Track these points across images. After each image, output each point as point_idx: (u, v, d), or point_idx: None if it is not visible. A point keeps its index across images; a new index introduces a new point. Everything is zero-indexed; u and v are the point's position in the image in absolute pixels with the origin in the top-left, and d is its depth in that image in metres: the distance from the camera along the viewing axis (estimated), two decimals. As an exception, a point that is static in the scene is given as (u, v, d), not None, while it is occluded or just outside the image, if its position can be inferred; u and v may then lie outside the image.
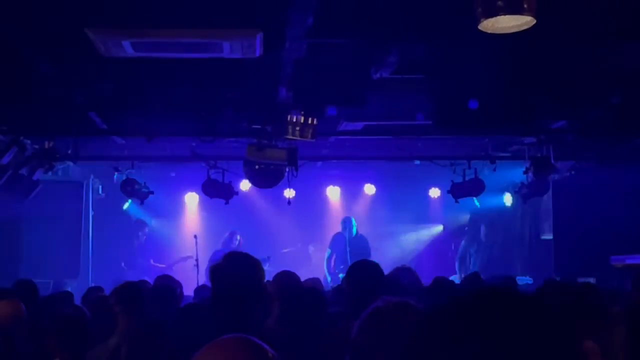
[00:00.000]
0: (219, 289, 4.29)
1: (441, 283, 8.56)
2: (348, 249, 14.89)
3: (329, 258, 15.39)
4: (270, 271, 13.20)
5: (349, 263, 14.25)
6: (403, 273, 8.57)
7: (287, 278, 6.88)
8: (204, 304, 5.87)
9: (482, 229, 15.88)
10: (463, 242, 16.17)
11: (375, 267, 5.44)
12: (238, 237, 15.72)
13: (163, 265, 15.67)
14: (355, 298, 5.14)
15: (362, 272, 5.26)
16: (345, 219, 15.59)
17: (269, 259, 14.87)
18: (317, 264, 16.13)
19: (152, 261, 16.14)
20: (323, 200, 17.05)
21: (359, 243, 15.24)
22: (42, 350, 5.32)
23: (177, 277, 9.55)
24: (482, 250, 15.59)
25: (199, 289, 9.09)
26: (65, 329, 5.30)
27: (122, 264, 15.89)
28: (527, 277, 14.81)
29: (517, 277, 14.60)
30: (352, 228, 15.41)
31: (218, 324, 4.10)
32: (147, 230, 16.53)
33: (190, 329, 4.83)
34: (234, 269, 4.27)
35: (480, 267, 14.97)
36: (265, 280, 4.55)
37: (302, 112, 9.47)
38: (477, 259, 15.43)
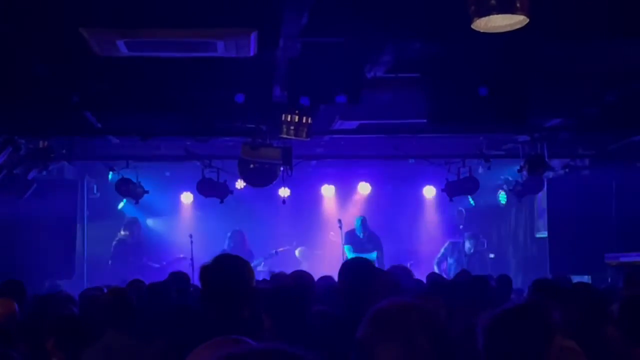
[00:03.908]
0: (209, 289, 4.32)
1: (437, 281, 8.60)
2: (361, 248, 14.95)
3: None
4: (264, 270, 13.28)
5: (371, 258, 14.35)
6: (399, 271, 8.61)
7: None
8: (193, 304, 5.87)
9: (467, 243, 15.93)
10: (443, 250, 16.14)
11: (368, 264, 5.44)
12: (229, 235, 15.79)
13: (157, 265, 15.66)
14: (350, 297, 5.14)
15: (355, 271, 5.25)
16: (359, 218, 15.67)
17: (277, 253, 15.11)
18: (313, 263, 16.17)
19: (144, 259, 16.12)
20: (318, 199, 17.04)
21: (371, 241, 15.32)
22: (37, 349, 5.33)
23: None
24: (461, 259, 15.60)
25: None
26: (62, 330, 5.30)
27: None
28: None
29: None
30: (366, 227, 15.47)
31: (208, 325, 4.12)
32: (139, 228, 16.46)
33: (181, 330, 4.84)
34: (223, 270, 4.30)
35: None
36: (255, 280, 4.56)
37: (297, 111, 9.47)
38: (452, 267, 15.48)
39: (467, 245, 15.83)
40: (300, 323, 4.84)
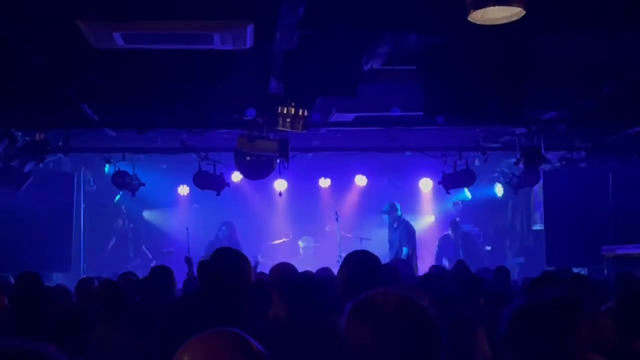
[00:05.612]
0: (208, 284, 4.31)
1: (435, 274, 8.59)
2: (394, 235, 14.93)
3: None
4: (261, 262, 13.27)
5: (395, 249, 14.31)
6: (398, 264, 8.63)
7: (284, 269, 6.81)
8: (191, 296, 5.85)
9: (450, 231, 15.91)
10: (438, 242, 16.08)
11: (371, 258, 5.39)
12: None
13: (151, 256, 15.75)
14: (349, 289, 5.10)
15: (357, 263, 5.18)
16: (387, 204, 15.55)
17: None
18: (310, 256, 16.19)
19: (143, 247, 16.17)
20: (314, 191, 17.03)
21: (400, 228, 15.27)
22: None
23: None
24: (456, 251, 15.60)
25: (188, 282, 9.08)
26: (65, 321, 5.28)
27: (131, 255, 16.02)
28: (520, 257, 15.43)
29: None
30: (396, 213, 15.34)
31: (206, 319, 4.12)
32: (121, 222, 16.49)
33: (178, 323, 4.83)
34: (222, 265, 4.28)
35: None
36: (254, 275, 4.57)
37: (293, 104, 9.46)
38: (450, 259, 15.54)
39: (449, 234, 15.82)
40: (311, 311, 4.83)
